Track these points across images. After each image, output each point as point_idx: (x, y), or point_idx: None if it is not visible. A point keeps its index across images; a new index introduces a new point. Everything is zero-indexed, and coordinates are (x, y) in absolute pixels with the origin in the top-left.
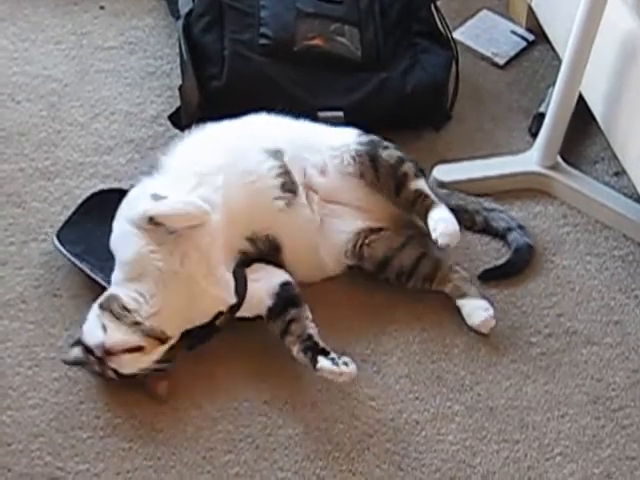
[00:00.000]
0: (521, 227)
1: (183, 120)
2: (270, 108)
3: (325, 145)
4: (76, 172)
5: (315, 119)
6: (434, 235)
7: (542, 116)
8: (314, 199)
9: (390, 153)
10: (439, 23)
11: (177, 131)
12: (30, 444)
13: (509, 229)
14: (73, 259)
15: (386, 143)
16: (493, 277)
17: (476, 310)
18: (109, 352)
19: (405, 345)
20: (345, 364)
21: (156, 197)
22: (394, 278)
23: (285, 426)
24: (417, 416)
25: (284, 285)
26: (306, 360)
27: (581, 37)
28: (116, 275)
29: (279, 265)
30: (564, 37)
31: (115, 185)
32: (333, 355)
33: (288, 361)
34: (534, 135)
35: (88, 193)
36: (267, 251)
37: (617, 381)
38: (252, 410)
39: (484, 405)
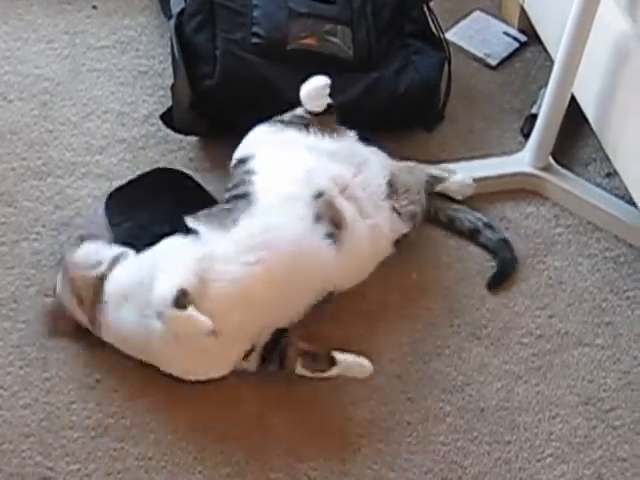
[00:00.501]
0: (489, 225)
1: (175, 120)
2: (262, 108)
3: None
4: (68, 171)
5: None
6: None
7: (534, 117)
8: (351, 193)
9: None
10: (432, 24)
11: (169, 131)
12: (21, 444)
13: (476, 230)
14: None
15: None
16: (499, 283)
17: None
18: None
19: (397, 346)
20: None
21: None
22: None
23: (277, 426)
24: (409, 417)
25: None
26: (317, 367)
27: (573, 38)
28: None
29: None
30: (556, 38)
31: (106, 185)
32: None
33: None
34: (526, 136)
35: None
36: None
37: (608, 382)
38: (244, 410)
39: (475, 406)
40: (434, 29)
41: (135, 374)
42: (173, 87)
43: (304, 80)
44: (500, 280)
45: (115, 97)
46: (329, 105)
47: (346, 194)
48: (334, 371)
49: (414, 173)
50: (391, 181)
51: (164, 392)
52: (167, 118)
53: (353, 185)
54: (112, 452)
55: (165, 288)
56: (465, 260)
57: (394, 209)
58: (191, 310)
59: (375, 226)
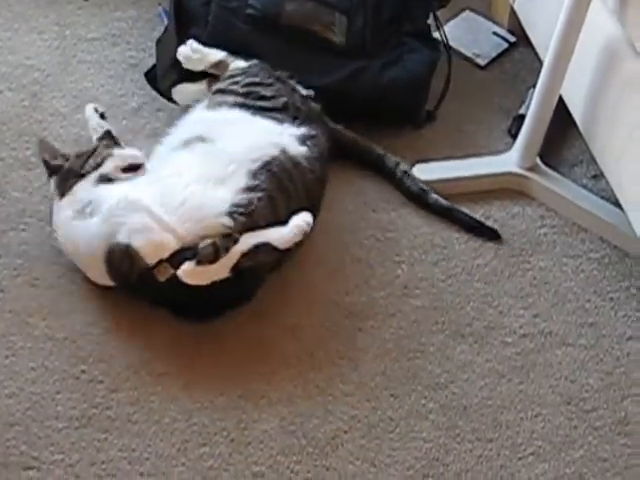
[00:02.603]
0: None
1: (158, 79)
2: None
3: None
4: None
5: None
6: None
7: (522, 118)
8: None
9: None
10: (437, 31)
11: (158, 124)
12: (5, 433)
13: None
14: None
15: None
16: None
17: None
18: None
19: (381, 342)
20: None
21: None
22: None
23: (260, 420)
24: (391, 413)
25: None
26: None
27: (563, 40)
28: None
29: None
30: (546, 39)
31: None
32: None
33: (265, 356)
34: (514, 136)
35: None
36: None
37: (590, 383)
38: (227, 404)
39: (458, 403)
40: (439, 35)
41: (120, 365)
42: (159, 42)
43: (290, 56)
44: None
45: (105, 89)
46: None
47: None
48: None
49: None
50: None
51: (148, 384)
52: (150, 76)
53: None
54: (96, 443)
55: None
56: (451, 258)
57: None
58: None
59: None
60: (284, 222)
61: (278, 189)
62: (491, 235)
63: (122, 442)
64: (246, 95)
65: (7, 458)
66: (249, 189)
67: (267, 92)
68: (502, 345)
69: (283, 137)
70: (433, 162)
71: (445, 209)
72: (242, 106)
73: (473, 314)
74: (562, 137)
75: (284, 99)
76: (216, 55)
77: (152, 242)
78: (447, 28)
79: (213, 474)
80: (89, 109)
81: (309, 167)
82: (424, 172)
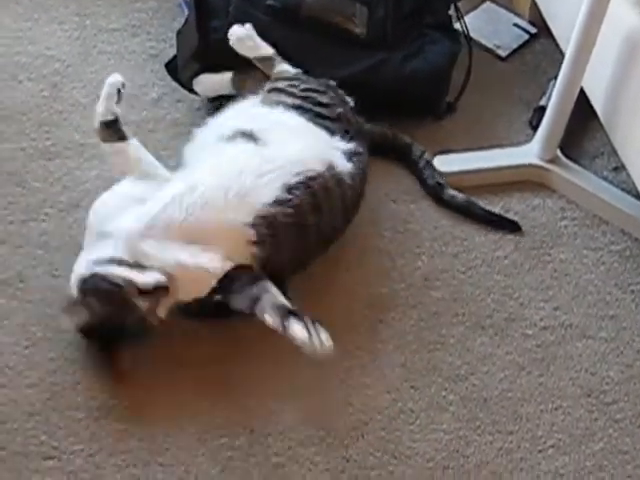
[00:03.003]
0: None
1: (179, 70)
2: None
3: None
4: (77, 153)
5: None
6: None
7: (543, 109)
8: None
9: None
10: (459, 22)
11: (179, 115)
12: (25, 423)
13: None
14: None
15: None
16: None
17: None
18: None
19: (401, 334)
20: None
21: None
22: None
23: (280, 412)
24: (412, 405)
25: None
26: (278, 322)
27: (584, 32)
28: None
29: None
30: (567, 31)
31: None
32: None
33: (286, 347)
34: (534, 128)
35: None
36: None
37: (611, 375)
38: (248, 395)
39: (478, 395)
40: (460, 26)
41: (140, 355)
42: (179, 34)
43: (311, 48)
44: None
45: (125, 80)
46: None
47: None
48: (287, 332)
49: None
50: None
51: (169, 374)
52: (171, 67)
53: None
54: (116, 433)
55: None
56: (471, 250)
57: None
58: None
59: None
60: (311, 243)
61: (312, 208)
62: (512, 227)
63: (142, 432)
64: (304, 99)
65: (27, 448)
66: (279, 203)
67: (324, 99)
68: (522, 337)
69: (333, 151)
70: (453, 154)
71: (462, 205)
72: (299, 109)
73: (493, 306)
74: (583, 129)
75: (339, 109)
76: (267, 50)
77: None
78: (468, 19)
79: (233, 465)
80: (114, 79)
81: (351, 184)
82: (444, 163)
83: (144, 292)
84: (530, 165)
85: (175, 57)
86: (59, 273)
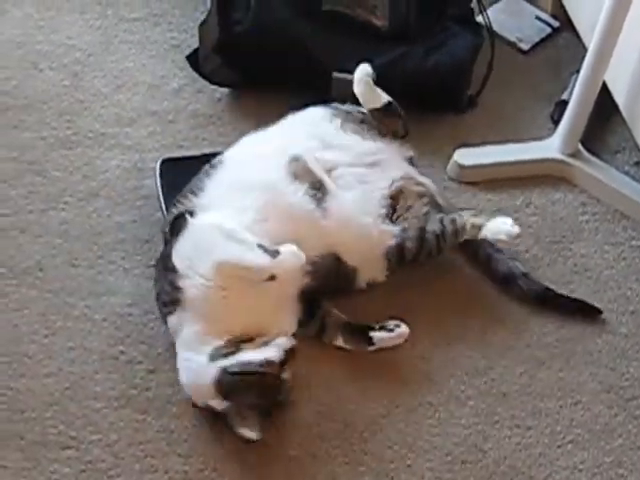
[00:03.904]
0: (525, 274)
1: (200, 62)
2: (287, 65)
3: (324, 121)
4: (97, 142)
5: (329, 79)
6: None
7: (565, 103)
8: (341, 173)
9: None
10: (481, 15)
11: (199, 105)
12: (44, 412)
13: (513, 275)
14: (159, 186)
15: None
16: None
17: (497, 225)
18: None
19: (420, 326)
20: (397, 326)
21: (268, 251)
22: (433, 245)
23: (299, 405)
24: (430, 398)
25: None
26: (357, 344)
27: (608, 26)
28: None
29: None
30: (590, 25)
31: (135, 157)
32: (379, 324)
33: (304, 342)
34: (556, 122)
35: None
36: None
37: (631, 371)
38: None
39: (497, 390)
40: (482, 19)
41: (159, 347)
42: (201, 26)
43: (333, 41)
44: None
45: (146, 70)
46: (392, 107)
47: (333, 174)
48: (372, 348)
49: (421, 203)
50: (395, 195)
51: None
52: (193, 59)
53: (346, 171)
54: (134, 423)
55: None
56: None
57: (385, 217)
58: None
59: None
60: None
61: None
62: (593, 312)
63: (160, 423)
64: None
65: (46, 437)
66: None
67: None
68: (542, 332)
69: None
70: (475, 147)
71: (539, 294)
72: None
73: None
74: (605, 123)
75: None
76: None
77: None
78: (490, 12)
79: (251, 458)
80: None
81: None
82: (465, 157)
83: (284, 363)
84: (551, 159)
85: (196, 50)
86: (78, 262)
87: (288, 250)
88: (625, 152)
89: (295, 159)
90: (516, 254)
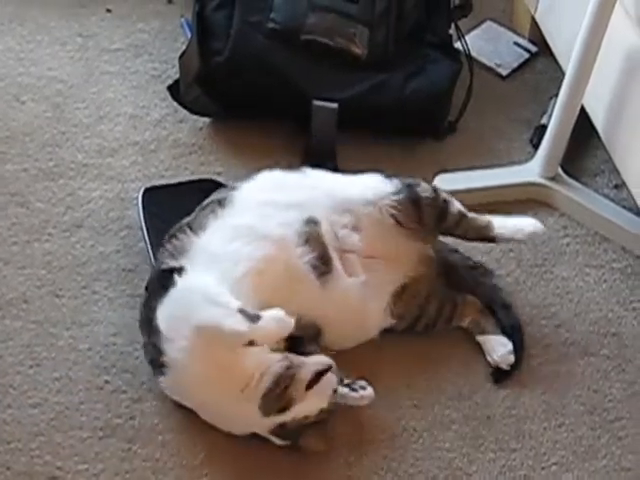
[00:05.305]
0: (506, 306)
1: (181, 93)
2: (268, 95)
3: (356, 200)
4: (80, 173)
5: (309, 107)
6: None
7: (544, 127)
8: (352, 260)
9: (424, 187)
10: (459, 41)
11: (181, 135)
12: (30, 443)
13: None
14: (142, 215)
15: (413, 180)
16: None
17: (496, 347)
18: None
19: (405, 353)
20: (363, 388)
21: (249, 316)
22: (422, 330)
23: None
24: (415, 423)
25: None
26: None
27: (585, 50)
28: None
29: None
30: (567, 49)
31: (118, 187)
32: (347, 381)
33: None
34: (535, 146)
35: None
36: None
37: (614, 393)
38: None
39: (481, 413)
40: (460, 46)
41: (144, 375)
42: (182, 56)
43: (312, 70)
44: (502, 374)
45: (127, 100)
46: None
47: (345, 257)
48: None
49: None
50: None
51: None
52: (174, 90)
53: (358, 259)
54: (120, 453)
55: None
56: None
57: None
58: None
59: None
60: None
61: None
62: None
63: (146, 452)
64: None
65: (32, 468)
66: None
67: None
68: (525, 355)
69: None
70: (455, 172)
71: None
72: None
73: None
74: (584, 146)
75: None
76: None
77: None
78: (468, 38)
79: None
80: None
81: None
82: (446, 182)
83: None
84: (531, 183)
85: (178, 80)
86: (62, 293)
87: (271, 315)
88: (604, 175)
89: (312, 222)
90: (498, 278)
